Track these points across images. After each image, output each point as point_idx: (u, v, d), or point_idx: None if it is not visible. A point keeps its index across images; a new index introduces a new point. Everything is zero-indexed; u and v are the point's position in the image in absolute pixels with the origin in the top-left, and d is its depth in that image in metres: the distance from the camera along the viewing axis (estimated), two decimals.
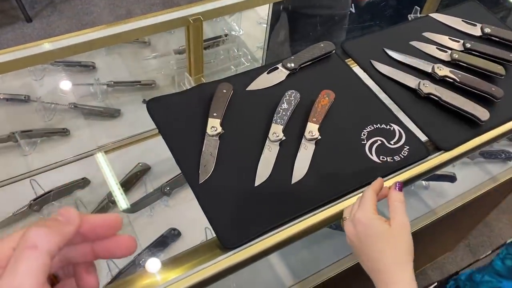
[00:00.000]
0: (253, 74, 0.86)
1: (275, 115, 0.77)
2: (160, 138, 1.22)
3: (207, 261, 0.63)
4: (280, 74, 0.86)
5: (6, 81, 1.27)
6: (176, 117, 0.78)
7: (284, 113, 0.78)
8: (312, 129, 0.76)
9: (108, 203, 1.03)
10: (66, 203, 1.06)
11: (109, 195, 1.04)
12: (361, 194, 0.63)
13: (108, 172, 1.11)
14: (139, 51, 1.39)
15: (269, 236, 0.65)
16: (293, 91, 0.81)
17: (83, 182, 1.07)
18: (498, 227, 2.27)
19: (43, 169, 1.09)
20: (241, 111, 0.80)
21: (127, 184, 1.08)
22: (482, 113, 0.82)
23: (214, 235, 1.00)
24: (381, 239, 0.57)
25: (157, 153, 1.18)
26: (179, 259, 0.65)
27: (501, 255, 0.72)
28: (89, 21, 2.81)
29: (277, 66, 0.87)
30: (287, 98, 0.80)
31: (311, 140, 0.75)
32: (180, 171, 1.11)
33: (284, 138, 0.75)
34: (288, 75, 0.86)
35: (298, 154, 0.74)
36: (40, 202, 1.01)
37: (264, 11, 1.53)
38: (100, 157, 1.15)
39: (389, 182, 0.72)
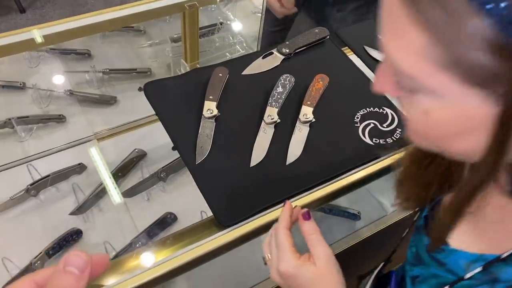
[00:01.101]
0: (248, 59, 0.88)
1: (270, 98, 0.79)
2: (155, 125, 1.24)
3: (203, 239, 0.65)
4: (275, 59, 0.88)
5: (1, 69, 1.27)
6: (172, 100, 0.79)
7: (279, 96, 0.79)
8: (307, 111, 0.78)
9: (104, 188, 1.04)
10: (63, 188, 1.07)
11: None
12: (274, 226, 0.59)
13: (103, 159, 1.12)
14: (134, 39, 1.39)
15: (264, 215, 0.67)
16: (288, 75, 0.82)
17: (80, 168, 1.08)
18: None
19: (39, 155, 1.10)
20: (236, 95, 0.81)
21: (123, 170, 1.09)
22: None
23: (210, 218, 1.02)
24: (313, 283, 0.55)
25: (153, 139, 1.19)
26: (177, 237, 0.66)
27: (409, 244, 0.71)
28: (83, 11, 2.80)
29: (272, 51, 0.89)
30: (282, 82, 0.81)
31: (305, 122, 0.77)
32: (176, 157, 1.13)
33: (279, 120, 0.76)
34: (283, 60, 0.88)
35: (293, 136, 0.75)
36: (37, 186, 1.01)
37: (258, 0, 1.54)
38: (96, 143, 1.16)
39: (384, 162, 0.74)
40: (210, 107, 0.76)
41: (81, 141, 1.15)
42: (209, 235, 0.65)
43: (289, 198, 0.69)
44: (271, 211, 0.67)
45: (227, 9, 1.45)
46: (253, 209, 0.67)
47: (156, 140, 1.19)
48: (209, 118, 0.75)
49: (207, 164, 0.71)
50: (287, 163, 0.72)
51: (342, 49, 0.93)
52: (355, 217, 1.09)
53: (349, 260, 1.08)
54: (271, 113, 0.77)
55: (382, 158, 0.75)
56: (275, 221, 0.67)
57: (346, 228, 1.09)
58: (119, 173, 1.08)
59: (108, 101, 1.23)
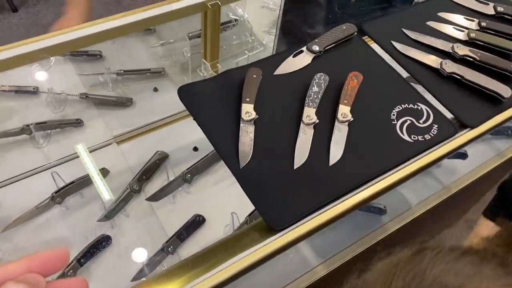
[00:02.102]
0: (278, 58, 0.87)
1: (306, 98, 0.78)
2: (174, 125, 1.23)
3: (255, 245, 0.64)
4: (305, 58, 0.87)
5: (12, 73, 1.24)
6: (208, 104, 0.78)
7: (315, 96, 0.79)
8: (345, 111, 0.77)
9: (130, 192, 1.03)
10: (86, 194, 1.05)
11: (131, 184, 1.04)
12: None
13: (127, 162, 1.11)
14: (145, 38, 1.37)
15: (314, 217, 0.66)
16: (322, 74, 0.81)
17: (103, 172, 1.07)
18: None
19: (60, 161, 1.08)
20: (271, 96, 0.80)
21: (147, 173, 1.08)
22: (504, 90, 0.84)
23: (240, 220, 1.02)
24: None
25: (173, 140, 1.18)
26: (226, 244, 0.66)
27: None
28: None
29: (302, 49, 0.87)
30: (317, 81, 0.80)
31: (344, 122, 0.76)
32: (199, 158, 1.12)
33: (317, 121, 0.76)
34: (313, 58, 0.87)
35: (333, 136, 0.75)
36: (62, 194, 1.00)
37: None
38: (116, 146, 1.14)
39: (423, 161, 0.74)
40: (248, 110, 0.75)
41: (100, 145, 1.14)
42: (260, 240, 0.64)
43: (336, 199, 0.69)
44: (320, 213, 0.67)
45: (236, 5, 1.43)
46: (302, 211, 0.66)
47: (177, 141, 1.18)
48: (248, 121, 0.74)
49: (251, 168, 0.70)
50: (330, 164, 0.72)
51: (365, 39, 0.92)
52: (381, 211, 1.10)
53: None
54: (309, 113, 0.76)
55: (422, 155, 0.75)
56: (325, 223, 0.67)
57: (372, 223, 1.10)
58: (143, 176, 1.07)
59: (124, 103, 1.21)
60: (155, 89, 1.27)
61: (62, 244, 0.97)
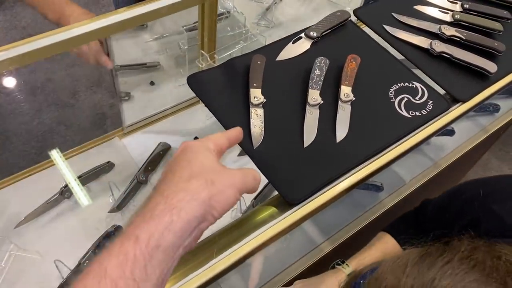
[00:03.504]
0: (278, 45, 0.91)
1: (310, 81, 0.82)
2: (174, 117, 1.25)
3: (275, 218, 0.68)
4: (304, 43, 0.91)
5: None
6: (218, 91, 0.81)
7: (318, 78, 0.83)
8: (347, 91, 0.82)
9: (137, 183, 1.06)
10: (93, 187, 1.07)
11: (137, 175, 1.06)
12: None
13: (131, 155, 1.13)
14: (137, 34, 1.39)
15: (328, 190, 0.71)
16: (323, 57, 0.86)
17: (108, 166, 1.09)
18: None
19: (66, 156, 1.10)
20: (276, 80, 0.84)
21: (152, 164, 1.11)
22: (490, 66, 0.90)
23: (246, 204, 1.06)
24: None
25: (174, 132, 1.21)
26: (246, 219, 0.69)
27: None
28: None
29: (300, 36, 0.92)
30: (318, 64, 0.85)
31: (346, 101, 0.81)
32: None
33: (322, 102, 0.80)
34: (312, 44, 0.91)
35: (338, 115, 0.80)
36: (71, 188, 1.02)
37: None
38: (119, 140, 1.16)
39: (422, 134, 0.80)
40: (256, 94, 0.79)
41: (103, 140, 1.16)
42: (279, 214, 0.68)
43: (345, 173, 0.73)
44: (333, 186, 0.71)
45: None
46: (316, 186, 0.71)
47: (177, 132, 1.21)
48: (257, 104, 0.78)
49: (264, 149, 0.74)
50: (337, 141, 0.77)
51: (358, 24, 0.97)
52: (378, 188, 1.15)
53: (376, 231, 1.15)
54: (314, 95, 0.81)
55: (420, 129, 0.81)
56: (338, 195, 0.72)
57: (371, 200, 1.15)
58: (149, 167, 1.09)
59: (122, 97, 1.23)
60: (152, 83, 1.29)
61: (74, 237, 0.99)
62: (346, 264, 0.84)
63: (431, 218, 0.90)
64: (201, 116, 1.25)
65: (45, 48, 0.85)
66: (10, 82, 1.62)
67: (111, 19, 0.93)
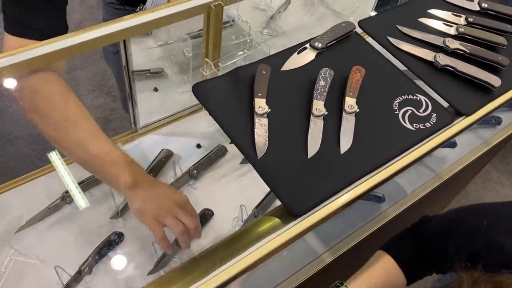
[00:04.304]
0: (283, 55, 0.91)
1: (314, 92, 0.83)
2: (176, 124, 1.26)
3: (278, 230, 0.68)
4: (309, 54, 0.91)
5: None
6: (223, 100, 0.81)
7: (322, 89, 0.83)
8: (351, 102, 0.82)
9: None
10: (95, 193, 1.07)
11: None
12: None
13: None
14: (142, 40, 1.40)
15: (331, 202, 0.71)
16: (327, 68, 0.86)
17: None
18: (474, 190, 2.44)
19: (68, 161, 1.10)
20: (281, 90, 0.84)
21: (154, 171, 1.11)
22: (494, 80, 0.90)
23: (247, 213, 1.06)
24: None
25: (176, 138, 1.21)
26: (249, 230, 0.69)
27: None
28: None
29: (305, 46, 0.92)
30: (323, 75, 0.85)
31: (351, 113, 0.81)
32: (204, 155, 1.16)
33: (326, 113, 0.80)
34: (317, 54, 0.92)
35: (342, 126, 0.80)
36: None
37: None
38: (121, 146, 1.16)
39: (426, 146, 0.80)
40: (260, 104, 0.79)
41: None
42: (282, 226, 0.68)
43: (349, 185, 0.73)
44: (336, 198, 0.71)
45: (229, 6, 1.47)
46: (320, 197, 0.71)
47: (180, 139, 1.21)
48: (262, 114, 0.78)
49: (267, 159, 0.74)
50: (341, 153, 0.77)
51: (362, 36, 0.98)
52: (379, 199, 1.15)
53: (378, 242, 1.15)
54: (318, 106, 0.81)
55: (424, 141, 0.81)
56: (341, 207, 0.72)
57: (372, 211, 1.15)
58: (151, 174, 1.09)
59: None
60: (155, 89, 1.30)
61: (75, 242, 0.99)
62: (345, 286, 0.84)
63: (431, 242, 0.89)
64: (204, 123, 1.25)
65: (54, 52, 0.85)
66: (12, 84, 1.61)
67: (115, 27, 0.92)
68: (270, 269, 1.02)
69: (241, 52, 1.20)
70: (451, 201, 2.15)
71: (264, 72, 0.84)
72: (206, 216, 1.05)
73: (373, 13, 1.49)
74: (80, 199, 1.00)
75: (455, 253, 0.78)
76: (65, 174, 1.01)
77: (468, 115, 0.87)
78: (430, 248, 0.89)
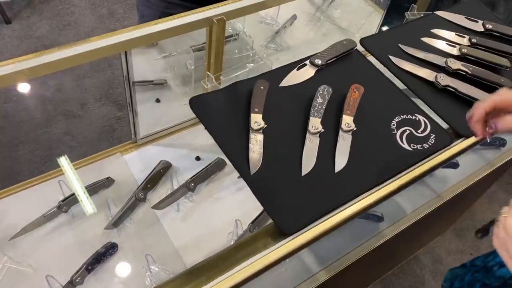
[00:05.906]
0: (283, 71, 0.91)
1: (311, 109, 0.82)
2: (176, 136, 1.26)
3: (267, 248, 0.67)
4: (308, 71, 0.91)
5: None
6: (219, 114, 0.81)
7: (320, 107, 0.83)
8: (348, 121, 0.81)
9: (135, 201, 1.05)
10: (95, 201, 1.07)
11: (136, 193, 1.06)
12: None
13: (131, 171, 1.13)
14: (147, 51, 1.40)
15: (323, 221, 0.70)
16: (326, 86, 0.86)
17: (108, 182, 1.09)
18: (480, 210, 2.40)
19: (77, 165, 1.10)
20: (278, 106, 0.84)
21: (152, 182, 1.10)
22: None
23: (242, 228, 1.05)
24: None
25: (176, 150, 1.21)
26: (239, 248, 0.68)
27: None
28: (70, 21, 2.77)
29: (305, 63, 0.92)
30: (321, 92, 0.85)
31: (347, 131, 0.81)
32: (202, 167, 1.15)
33: (323, 130, 0.80)
34: (316, 71, 0.91)
35: (338, 144, 0.79)
36: (69, 202, 1.02)
37: (264, 10, 1.57)
38: (121, 156, 1.16)
39: (422, 168, 0.79)
40: (256, 120, 0.79)
41: (105, 155, 1.16)
42: (272, 244, 0.67)
43: (342, 205, 0.72)
44: (329, 217, 0.70)
45: (235, 19, 1.47)
46: (311, 216, 0.70)
47: (179, 150, 1.21)
48: (257, 130, 0.78)
49: (261, 175, 0.74)
50: (336, 171, 0.76)
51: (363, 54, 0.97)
52: (378, 219, 1.14)
53: (375, 261, 1.13)
54: (315, 123, 0.80)
55: (422, 162, 0.80)
56: (333, 227, 0.71)
57: (370, 230, 1.14)
58: (148, 185, 1.09)
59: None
60: (158, 100, 1.30)
61: (69, 252, 0.98)
62: None
63: None
64: (204, 136, 1.25)
65: (61, 60, 0.86)
66: (20, 91, 1.63)
67: (117, 38, 0.93)
68: (264, 285, 1.01)
69: (244, 66, 1.20)
70: (455, 222, 2.12)
71: (262, 87, 0.84)
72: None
73: (379, 30, 1.49)
74: (88, 204, 1.00)
75: None
76: (73, 179, 1.01)
77: (467, 137, 0.86)
78: None
